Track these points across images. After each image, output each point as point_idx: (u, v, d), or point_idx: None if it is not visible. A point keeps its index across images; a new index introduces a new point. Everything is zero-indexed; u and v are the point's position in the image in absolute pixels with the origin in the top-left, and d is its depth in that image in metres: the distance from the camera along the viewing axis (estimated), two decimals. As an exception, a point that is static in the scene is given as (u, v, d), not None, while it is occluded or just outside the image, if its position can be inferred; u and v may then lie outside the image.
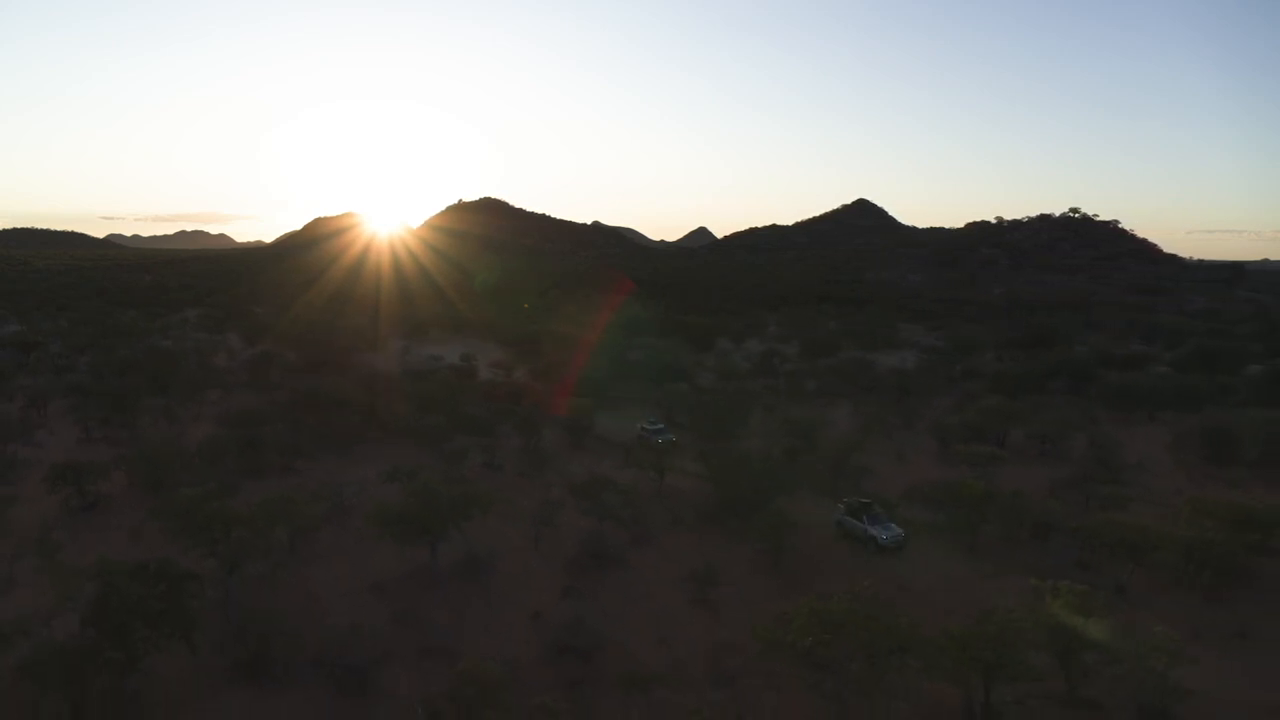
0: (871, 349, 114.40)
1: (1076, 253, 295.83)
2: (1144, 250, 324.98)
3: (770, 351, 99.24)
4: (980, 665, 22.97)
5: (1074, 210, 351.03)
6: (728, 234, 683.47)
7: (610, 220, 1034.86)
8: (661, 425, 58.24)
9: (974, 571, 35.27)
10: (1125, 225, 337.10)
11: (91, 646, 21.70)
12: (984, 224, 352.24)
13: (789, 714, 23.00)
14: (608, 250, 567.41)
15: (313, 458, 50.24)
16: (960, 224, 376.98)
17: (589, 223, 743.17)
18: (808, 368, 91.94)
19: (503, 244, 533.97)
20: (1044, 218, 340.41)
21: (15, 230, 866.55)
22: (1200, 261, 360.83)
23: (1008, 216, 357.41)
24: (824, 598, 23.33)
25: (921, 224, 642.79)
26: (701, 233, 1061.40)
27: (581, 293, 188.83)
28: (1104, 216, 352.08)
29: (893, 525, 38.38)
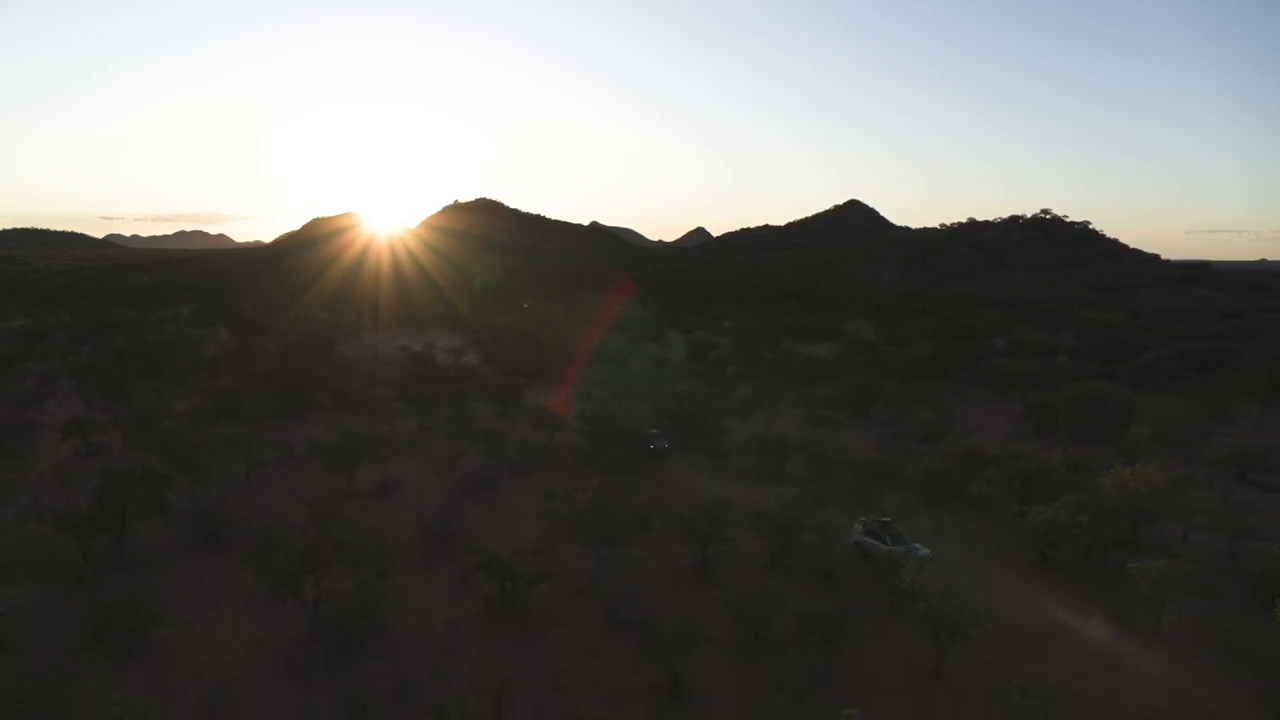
0: (806, 341, 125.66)
1: (1044, 252, 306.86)
2: (1113, 250, 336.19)
3: (703, 341, 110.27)
4: (697, 534, 33.95)
5: (1045, 211, 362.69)
6: (722, 234, 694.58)
7: (609, 221, 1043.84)
8: (654, 431, 56.48)
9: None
10: (1121, 225, 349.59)
11: (97, 516, 32.59)
12: (958, 225, 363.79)
13: (563, 563, 33.87)
14: (603, 251, 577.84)
15: (275, 421, 61.14)
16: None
17: (587, 223, 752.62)
18: (737, 356, 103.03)
19: (501, 245, 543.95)
20: (1015, 219, 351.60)
21: (15, 230, 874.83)
22: (1167, 261, 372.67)
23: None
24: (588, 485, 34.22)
25: (917, 224, 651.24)
26: (699, 232, 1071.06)
27: (577, 292, 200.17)
28: (1090, 217, 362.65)
29: (919, 546, 35.28)
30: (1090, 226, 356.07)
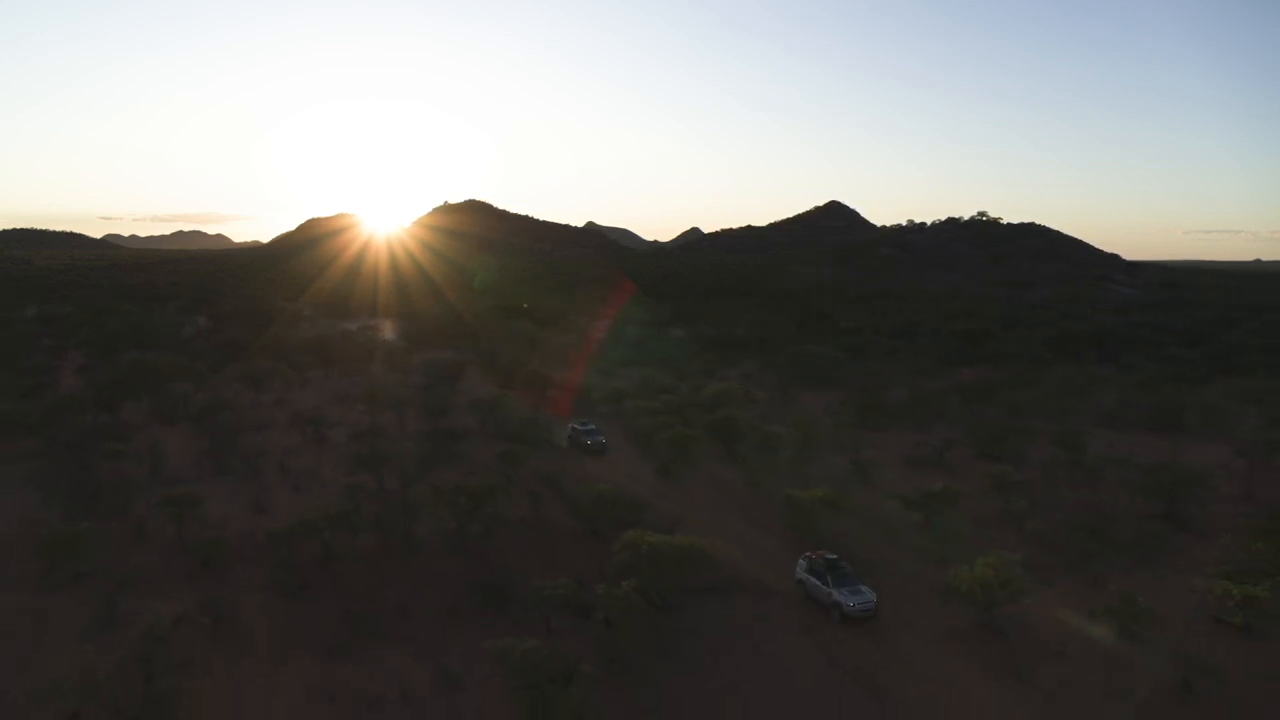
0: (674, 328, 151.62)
1: (966, 252, 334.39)
2: (1045, 249, 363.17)
3: (592, 326, 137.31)
4: (434, 411, 60.14)
5: (981, 213, 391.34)
6: (705, 235, 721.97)
7: (607, 221, 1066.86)
8: (593, 426, 60.49)
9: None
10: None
11: (96, 397, 58.76)
12: (897, 226, 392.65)
13: (363, 424, 60.02)
14: (586, 250, 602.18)
15: (222, 373, 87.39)
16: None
17: (584, 224, 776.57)
18: (603, 336, 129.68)
19: (493, 244, 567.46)
20: (950, 220, 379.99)
21: (15, 231, 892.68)
22: (1103, 254, 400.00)
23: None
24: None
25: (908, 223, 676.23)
26: (694, 233, 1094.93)
27: (548, 290, 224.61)
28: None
29: (864, 588, 32.52)
30: (1033, 223, 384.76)
